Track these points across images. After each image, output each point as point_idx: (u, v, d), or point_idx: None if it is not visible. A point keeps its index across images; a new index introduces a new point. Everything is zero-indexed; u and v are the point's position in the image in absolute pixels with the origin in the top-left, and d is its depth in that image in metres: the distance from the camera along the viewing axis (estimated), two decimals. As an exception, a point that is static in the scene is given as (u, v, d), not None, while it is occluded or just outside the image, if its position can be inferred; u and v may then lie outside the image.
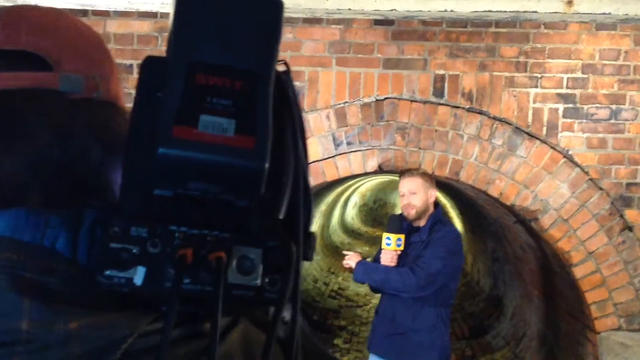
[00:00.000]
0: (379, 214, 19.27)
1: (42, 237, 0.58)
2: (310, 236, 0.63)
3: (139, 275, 0.54)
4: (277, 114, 0.57)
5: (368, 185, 15.58)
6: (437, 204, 3.79)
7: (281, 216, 0.62)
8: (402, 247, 3.60)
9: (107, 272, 0.54)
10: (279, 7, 0.57)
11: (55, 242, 0.58)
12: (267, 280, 0.58)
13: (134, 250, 0.54)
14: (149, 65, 0.60)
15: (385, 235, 3.64)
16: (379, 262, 3.67)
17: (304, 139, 0.65)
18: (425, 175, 3.77)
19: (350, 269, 3.73)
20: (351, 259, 3.73)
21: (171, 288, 0.54)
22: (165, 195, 0.55)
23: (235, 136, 0.52)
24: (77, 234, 0.59)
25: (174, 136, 0.51)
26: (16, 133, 0.62)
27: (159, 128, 0.52)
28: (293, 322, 0.60)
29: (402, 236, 3.61)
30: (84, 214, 0.60)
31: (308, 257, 0.63)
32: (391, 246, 3.59)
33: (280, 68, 0.66)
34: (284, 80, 0.61)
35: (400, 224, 3.68)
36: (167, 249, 0.55)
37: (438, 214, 3.75)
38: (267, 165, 0.53)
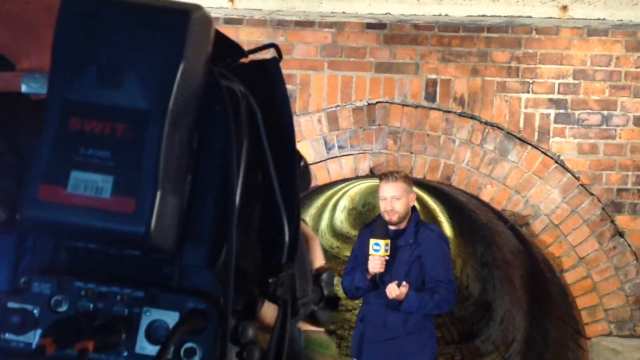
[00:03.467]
0: (368, 218, 19.17)
1: None
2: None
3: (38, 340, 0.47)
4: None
5: (357, 189, 15.56)
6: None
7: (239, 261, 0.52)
8: (389, 252, 3.58)
9: (5, 336, 0.48)
10: (185, 21, 0.45)
11: None
12: (182, 350, 0.48)
13: (35, 311, 0.48)
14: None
15: (373, 241, 3.57)
16: (367, 270, 3.60)
17: (295, 146, 0.58)
18: (407, 179, 3.74)
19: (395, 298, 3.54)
20: (400, 292, 3.50)
21: None
22: (67, 245, 0.48)
23: (111, 197, 0.44)
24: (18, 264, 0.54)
25: (39, 198, 0.44)
26: None
27: (25, 186, 0.44)
28: None
29: (389, 241, 3.59)
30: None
31: (297, 313, 0.55)
32: (380, 252, 3.55)
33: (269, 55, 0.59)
34: (271, 71, 0.54)
35: (387, 229, 3.65)
36: (72, 308, 0.48)
37: (417, 215, 3.79)
38: (152, 229, 0.44)
